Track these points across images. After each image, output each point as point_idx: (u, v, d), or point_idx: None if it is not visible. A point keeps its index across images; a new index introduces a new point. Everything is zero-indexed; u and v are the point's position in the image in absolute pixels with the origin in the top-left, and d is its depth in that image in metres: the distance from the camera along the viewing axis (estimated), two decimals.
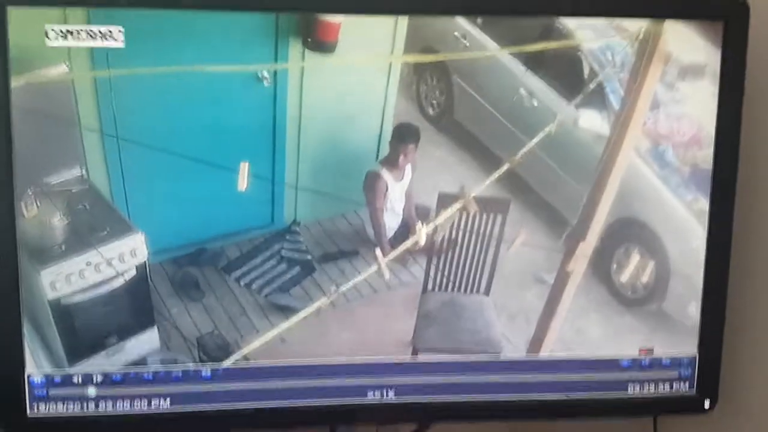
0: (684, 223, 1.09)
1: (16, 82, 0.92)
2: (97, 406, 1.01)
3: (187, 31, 0.96)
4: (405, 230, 1.09)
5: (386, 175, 1.07)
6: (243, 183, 1.00)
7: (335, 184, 1.07)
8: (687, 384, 1.12)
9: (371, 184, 1.07)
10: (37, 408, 1.00)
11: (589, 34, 1.04)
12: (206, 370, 1.03)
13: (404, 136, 1.06)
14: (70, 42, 0.93)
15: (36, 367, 0.99)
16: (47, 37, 0.92)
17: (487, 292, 1.13)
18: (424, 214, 1.08)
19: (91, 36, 0.93)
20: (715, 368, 1.12)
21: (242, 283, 1.08)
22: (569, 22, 1.04)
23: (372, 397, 1.07)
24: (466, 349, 1.11)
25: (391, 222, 1.10)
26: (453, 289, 1.14)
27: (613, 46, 1.04)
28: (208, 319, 1.05)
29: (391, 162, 1.07)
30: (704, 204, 1.08)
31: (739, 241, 1.09)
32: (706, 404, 1.12)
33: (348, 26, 0.99)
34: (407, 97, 1.05)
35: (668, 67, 1.04)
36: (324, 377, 1.06)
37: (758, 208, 1.13)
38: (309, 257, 1.08)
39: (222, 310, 1.06)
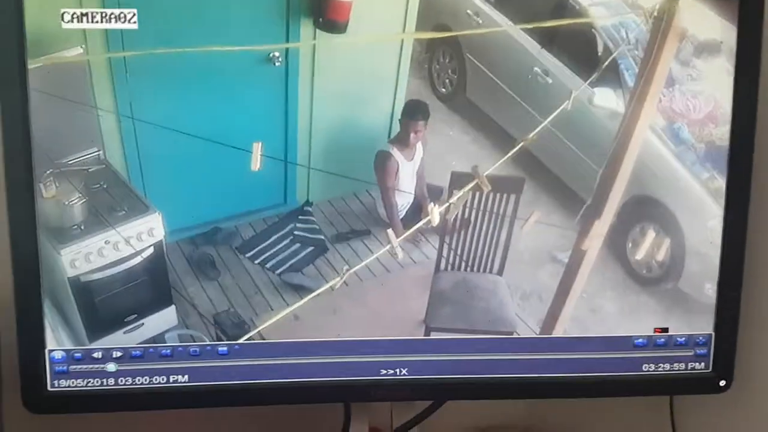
0: (700, 202, 1.08)
1: (33, 65, 0.94)
2: (116, 381, 1.03)
3: (199, 12, 0.97)
4: (417, 210, 1.09)
5: (396, 154, 1.07)
6: (256, 163, 1.01)
7: (347, 163, 1.07)
8: (702, 363, 1.11)
9: (381, 164, 1.07)
10: (58, 383, 1.02)
11: (603, 11, 1.03)
12: (222, 346, 1.05)
13: (413, 113, 1.05)
14: (85, 24, 0.94)
15: (57, 343, 1.01)
16: (62, 19, 0.93)
17: (500, 272, 1.12)
18: (436, 194, 1.07)
19: (105, 18, 0.94)
20: (731, 347, 1.10)
21: (256, 262, 1.09)
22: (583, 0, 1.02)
23: (385, 375, 1.07)
24: (479, 328, 1.11)
25: (403, 201, 1.10)
26: (466, 268, 1.14)
27: (628, 24, 1.03)
28: (223, 297, 1.07)
29: (401, 140, 1.06)
30: (720, 182, 1.07)
31: (756, 219, 1.08)
32: (722, 383, 1.11)
33: (359, 5, 0.99)
34: (419, 76, 1.05)
35: (683, 44, 1.03)
36: (337, 355, 1.06)
37: None
38: (322, 237, 1.09)
39: (237, 288, 1.07)
